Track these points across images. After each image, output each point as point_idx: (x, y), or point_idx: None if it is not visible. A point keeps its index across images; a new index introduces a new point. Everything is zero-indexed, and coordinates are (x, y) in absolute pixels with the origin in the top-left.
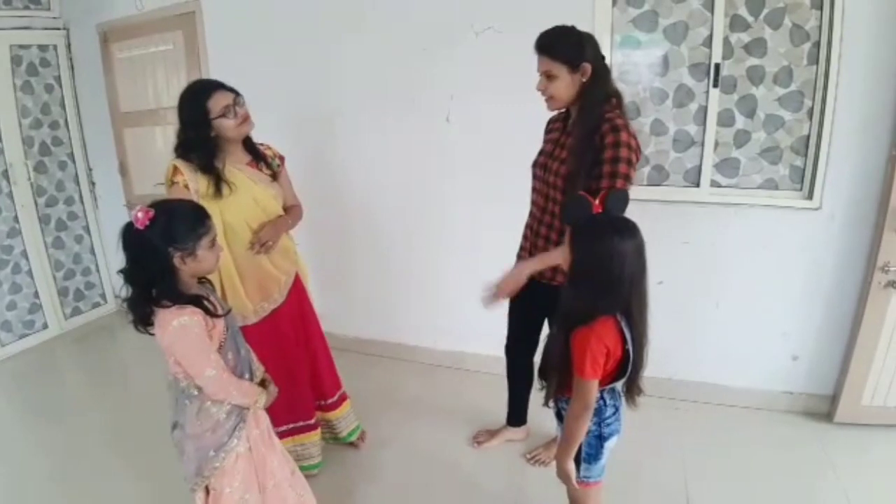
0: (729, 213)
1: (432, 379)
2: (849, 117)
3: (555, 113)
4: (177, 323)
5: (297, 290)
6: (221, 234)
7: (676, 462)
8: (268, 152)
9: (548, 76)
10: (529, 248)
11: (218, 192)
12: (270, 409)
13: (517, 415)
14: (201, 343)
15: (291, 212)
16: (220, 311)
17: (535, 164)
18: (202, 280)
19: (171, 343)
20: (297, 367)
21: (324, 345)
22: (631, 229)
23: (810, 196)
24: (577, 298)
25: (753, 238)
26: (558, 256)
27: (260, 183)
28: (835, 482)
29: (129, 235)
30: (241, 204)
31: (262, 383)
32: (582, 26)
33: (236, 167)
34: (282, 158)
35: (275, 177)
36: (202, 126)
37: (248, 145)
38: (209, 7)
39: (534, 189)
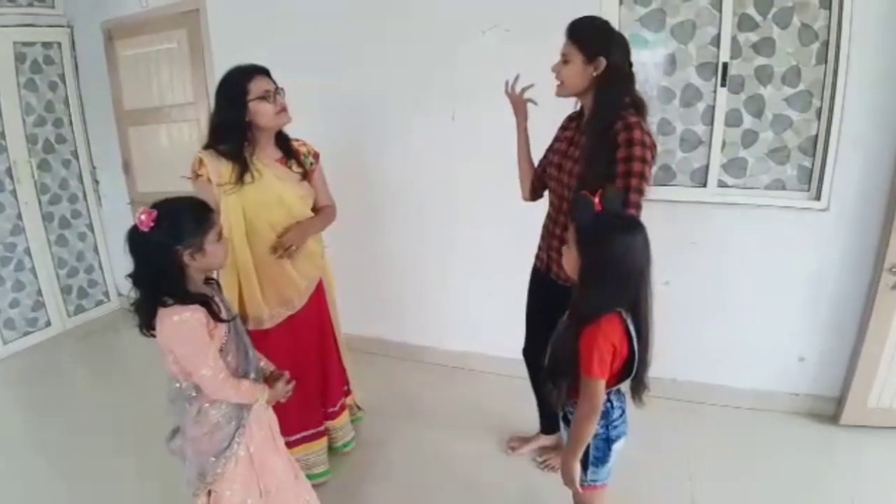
0: (736, 213)
1: (438, 379)
2: (857, 117)
3: (573, 111)
4: (177, 318)
5: (319, 296)
6: (242, 233)
7: (681, 463)
8: (302, 149)
9: (564, 60)
10: (546, 248)
11: (240, 178)
12: (283, 418)
13: (549, 421)
14: (200, 340)
15: (322, 213)
16: (223, 314)
17: (551, 164)
18: (209, 280)
19: (169, 339)
20: (309, 374)
21: (336, 352)
22: (636, 224)
23: (818, 196)
24: (589, 297)
25: (760, 238)
26: None
27: (288, 182)
28: (840, 484)
29: (135, 238)
30: (264, 202)
31: (269, 381)
32: None
33: (264, 162)
34: (316, 156)
35: (305, 175)
36: (238, 107)
37: (281, 141)
38: (213, 5)
39: (550, 189)
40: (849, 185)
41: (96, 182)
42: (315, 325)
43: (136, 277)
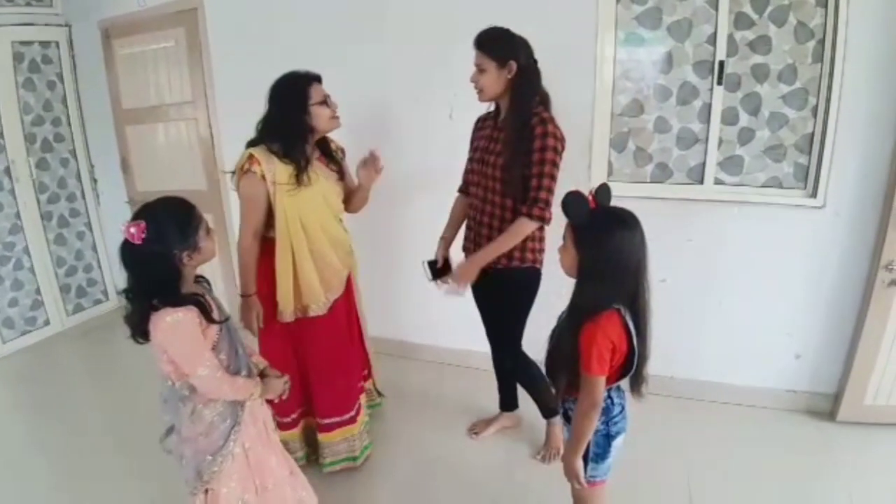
0: (732, 210)
1: (436, 376)
2: (853, 115)
3: (483, 112)
4: (170, 319)
5: (349, 284)
6: (300, 232)
7: (679, 460)
8: (331, 145)
9: (479, 69)
10: (474, 237)
11: (298, 179)
12: (340, 398)
13: (508, 400)
14: (194, 340)
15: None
16: (215, 314)
17: (472, 160)
18: (198, 279)
19: (163, 340)
20: (352, 356)
21: (362, 337)
22: (633, 219)
23: (814, 194)
24: (589, 294)
25: (757, 236)
26: (501, 246)
27: (329, 180)
28: (837, 481)
29: (130, 253)
30: (314, 201)
31: (262, 376)
32: (585, 23)
33: (313, 164)
34: (343, 151)
35: (341, 174)
36: (300, 110)
37: (320, 141)
38: (212, 3)
39: (472, 183)
40: (845, 182)
41: (94, 181)
42: (349, 310)
43: (133, 290)
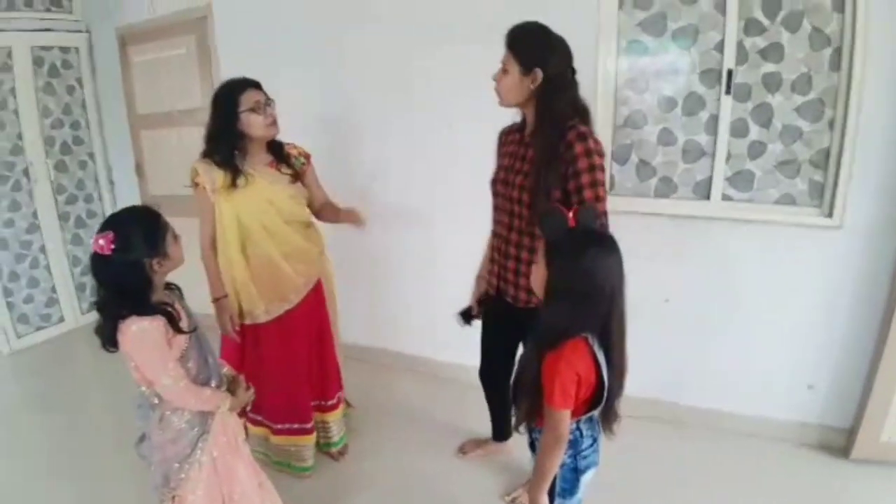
0: (741, 229)
1: (430, 390)
2: (873, 129)
3: (510, 124)
4: (136, 328)
5: (317, 294)
6: (236, 236)
7: (676, 493)
8: (293, 151)
9: (503, 69)
10: (498, 269)
11: (233, 183)
12: (269, 407)
13: (501, 432)
14: (159, 349)
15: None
16: (184, 320)
17: (495, 181)
18: (169, 286)
19: (130, 349)
20: (302, 370)
21: (332, 347)
22: (611, 242)
23: (830, 213)
24: (555, 317)
25: (767, 257)
26: None
27: (277, 184)
28: None
29: (101, 265)
30: (255, 205)
31: (231, 388)
32: (586, 30)
33: (255, 168)
34: (307, 156)
35: (296, 177)
36: (230, 118)
37: (273, 146)
38: (220, 11)
39: (496, 208)
40: (863, 201)
41: (111, 183)
42: (315, 322)
43: (105, 302)
